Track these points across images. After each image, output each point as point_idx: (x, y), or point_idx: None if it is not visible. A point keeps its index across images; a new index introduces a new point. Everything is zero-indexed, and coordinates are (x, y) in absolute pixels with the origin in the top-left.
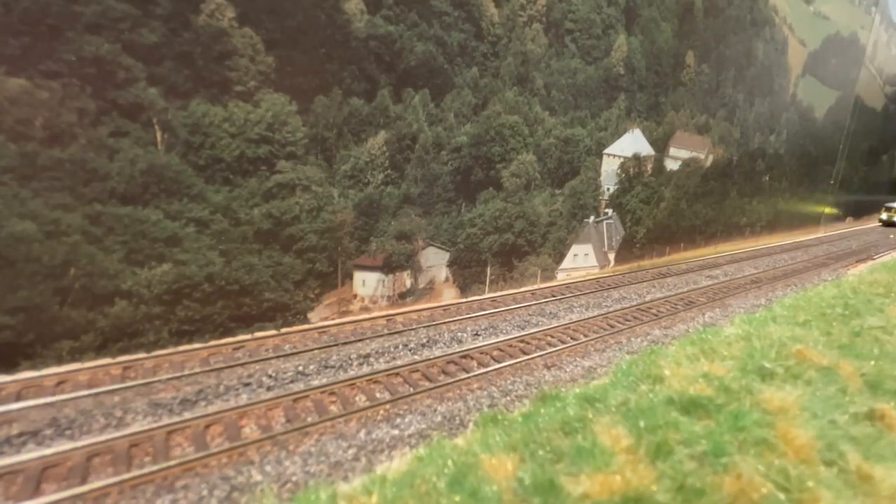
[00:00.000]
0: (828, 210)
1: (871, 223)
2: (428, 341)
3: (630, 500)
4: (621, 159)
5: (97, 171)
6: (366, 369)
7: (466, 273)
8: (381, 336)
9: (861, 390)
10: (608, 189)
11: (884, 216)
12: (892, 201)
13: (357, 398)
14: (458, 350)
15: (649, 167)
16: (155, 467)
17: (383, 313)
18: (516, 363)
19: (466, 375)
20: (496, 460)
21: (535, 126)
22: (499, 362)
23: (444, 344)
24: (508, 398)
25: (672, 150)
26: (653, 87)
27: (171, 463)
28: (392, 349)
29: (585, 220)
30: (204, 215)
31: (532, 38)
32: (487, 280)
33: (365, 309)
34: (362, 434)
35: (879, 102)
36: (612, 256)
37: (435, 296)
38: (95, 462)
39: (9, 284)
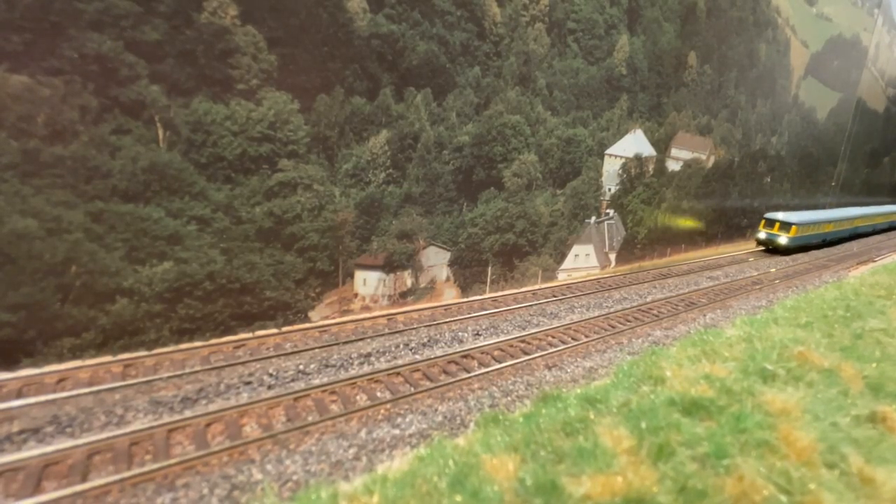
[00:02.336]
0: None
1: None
2: (429, 341)
3: (631, 501)
4: (623, 160)
5: (99, 168)
6: (367, 368)
7: (467, 273)
8: (382, 335)
9: (863, 393)
10: (609, 189)
11: (762, 235)
12: (777, 211)
13: (358, 397)
14: (459, 350)
15: (651, 168)
16: (155, 465)
17: (384, 312)
18: (517, 363)
19: (467, 375)
20: (497, 460)
21: (536, 126)
22: (500, 362)
23: (445, 343)
24: (509, 398)
25: (674, 151)
26: (655, 88)
27: (172, 461)
28: (393, 348)
29: (587, 220)
30: (205, 213)
31: (534, 38)
32: (488, 280)
33: (366, 308)
34: (363, 433)
35: (881, 105)
36: (613, 257)
37: (436, 295)
38: (96, 460)
39: (10, 281)
